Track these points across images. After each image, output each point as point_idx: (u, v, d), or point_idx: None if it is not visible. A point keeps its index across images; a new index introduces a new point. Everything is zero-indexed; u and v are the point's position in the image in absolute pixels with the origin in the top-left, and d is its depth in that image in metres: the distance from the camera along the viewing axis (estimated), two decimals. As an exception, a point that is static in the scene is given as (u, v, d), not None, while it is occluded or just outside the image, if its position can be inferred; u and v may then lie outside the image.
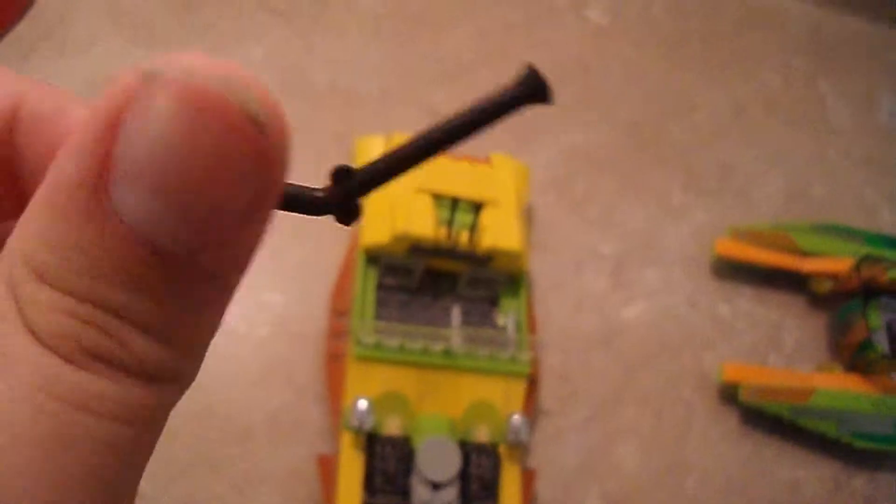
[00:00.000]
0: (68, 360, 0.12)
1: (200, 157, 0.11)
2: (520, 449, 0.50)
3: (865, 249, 0.63)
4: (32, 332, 0.12)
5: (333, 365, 0.50)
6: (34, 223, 0.12)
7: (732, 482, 0.59)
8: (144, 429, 0.13)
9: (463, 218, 0.50)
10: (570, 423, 0.57)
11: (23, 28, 0.59)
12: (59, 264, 0.12)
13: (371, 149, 0.55)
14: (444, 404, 0.49)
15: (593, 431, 0.57)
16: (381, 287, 0.52)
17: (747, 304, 0.64)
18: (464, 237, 0.50)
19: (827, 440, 0.61)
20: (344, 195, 0.15)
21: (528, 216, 0.60)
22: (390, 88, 0.64)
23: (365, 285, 0.51)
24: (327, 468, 0.48)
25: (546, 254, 0.60)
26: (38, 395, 0.12)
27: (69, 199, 0.12)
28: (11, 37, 0.58)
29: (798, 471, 0.61)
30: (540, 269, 0.60)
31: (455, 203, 0.49)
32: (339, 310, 0.51)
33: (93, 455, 0.12)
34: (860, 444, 0.61)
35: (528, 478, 0.51)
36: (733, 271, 0.65)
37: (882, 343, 0.60)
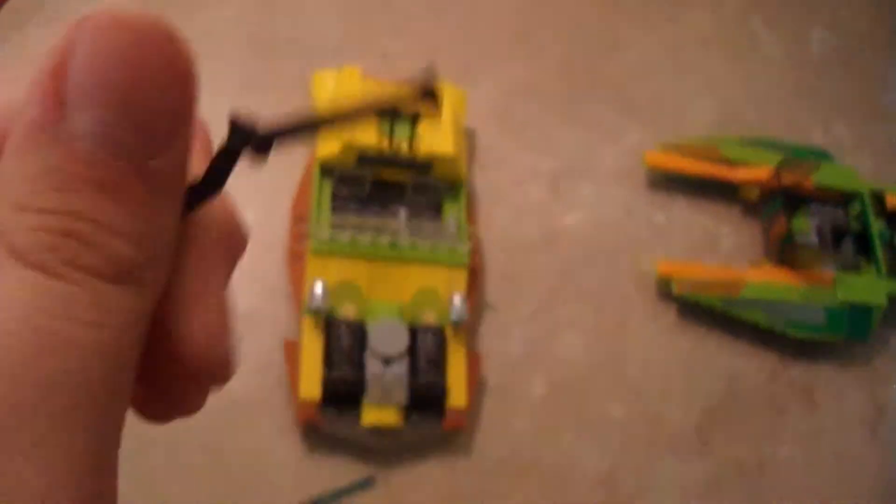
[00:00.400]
0: (52, 273, 0.13)
1: (133, 70, 0.14)
2: (463, 330, 0.56)
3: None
4: (17, 256, 0.13)
5: (295, 263, 0.57)
6: (8, 165, 0.14)
7: (671, 370, 0.64)
8: (125, 332, 0.14)
9: (402, 130, 0.57)
10: (514, 317, 0.63)
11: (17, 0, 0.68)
12: (34, 189, 0.14)
13: (325, 81, 0.63)
14: (393, 292, 0.56)
15: (537, 325, 0.63)
16: (335, 198, 0.59)
17: (682, 212, 0.69)
18: (404, 146, 0.57)
19: (764, 333, 0.66)
20: (242, 140, 0.16)
21: (469, 140, 0.67)
22: (347, 39, 0.71)
23: (320, 193, 0.58)
24: (292, 351, 0.55)
25: (488, 172, 0.67)
26: (28, 311, 0.13)
27: (35, 135, 0.14)
28: (7, 8, 0.67)
29: (736, 360, 0.66)
30: (482, 187, 0.66)
31: (394, 115, 0.56)
32: (299, 216, 0.58)
33: (78, 360, 0.13)
34: (793, 332, 0.66)
35: (474, 360, 0.57)
36: (668, 184, 0.70)
37: (809, 240, 0.66)
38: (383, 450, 0.54)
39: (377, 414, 0.53)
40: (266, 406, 0.56)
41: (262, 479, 0.55)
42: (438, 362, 0.55)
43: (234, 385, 0.51)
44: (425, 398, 0.54)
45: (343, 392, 0.53)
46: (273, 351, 0.57)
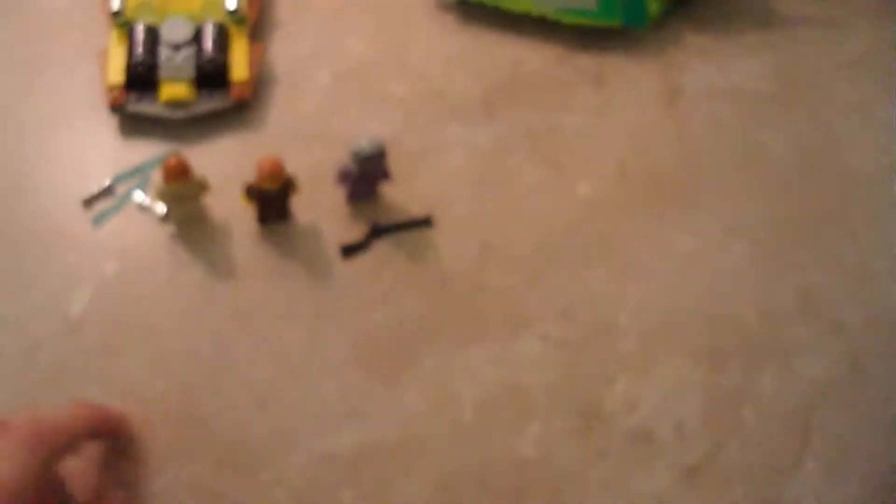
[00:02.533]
0: None
1: None
2: (246, 27, 0.69)
3: None
4: None
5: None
6: None
7: (454, 59, 0.75)
8: None
9: None
10: (303, 28, 0.75)
11: None
12: None
13: None
14: (183, 5, 0.70)
15: (325, 32, 0.75)
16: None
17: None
18: None
19: (548, 27, 0.75)
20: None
21: None
22: None
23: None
24: (103, 58, 0.69)
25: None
26: None
27: None
28: None
29: (521, 50, 0.76)
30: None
31: None
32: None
33: None
34: (567, 19, 0.73)
35: (256, 48, 0.70)
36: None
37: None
38: (181, 122, 0.67)
39: (171, 90, 0.66)
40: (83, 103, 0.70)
41: (78, 161, 0.68)
42: (221, 46, 0.67)
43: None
44: (211, 74, 0.67)
45: (142, 74, 0.66)
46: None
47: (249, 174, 0.60)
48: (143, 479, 0.56)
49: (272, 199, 0.60)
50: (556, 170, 0.68)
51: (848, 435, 0.63)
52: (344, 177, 0.60)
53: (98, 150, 0.67)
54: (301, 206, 0.65)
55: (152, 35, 0.66)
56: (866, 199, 0.73)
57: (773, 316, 0.65)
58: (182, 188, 0.58)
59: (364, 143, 0.58)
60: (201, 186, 0.60)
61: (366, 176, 0.60)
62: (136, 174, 0.64)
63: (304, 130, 0.69)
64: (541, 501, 0.58)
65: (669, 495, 0.59)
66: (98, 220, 0.61)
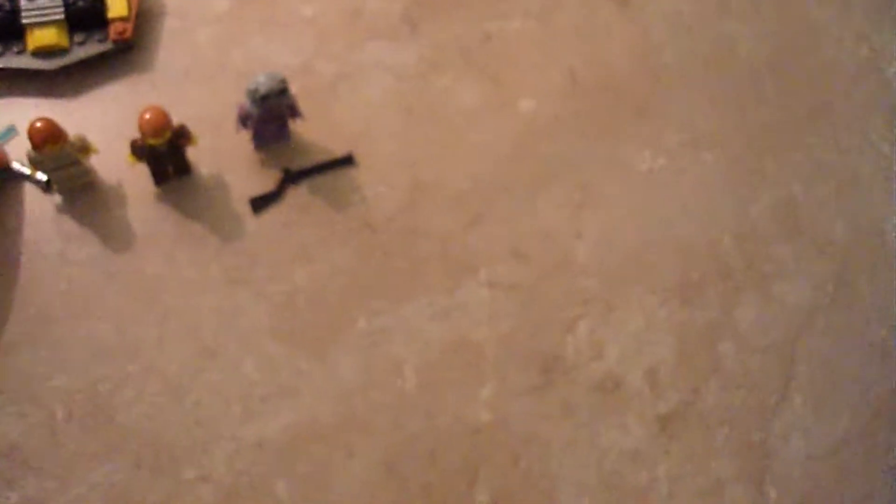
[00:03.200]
0: None
1: None
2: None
3: None
4: None
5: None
6: None
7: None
8: None
9: None
10: None
11: None
12: None
13: None
14: None
15: None
16: None
17: None
18: None
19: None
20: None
21: None
22: None
23: None
24: None
25: None
26: None
27: None
28: None
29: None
30: None
31: None
32: None
33: None
34: None
35: None
36: None
37: None
38: (56, 72, 0.57)
39: (40, 36, 0.57)
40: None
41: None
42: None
43: None
44: (84, 14, 0.57)
45: (6, 23, 0.56)
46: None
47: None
48: (50, 491, 0.49)
49: (163, 155, 0.52)
50: (494, 86, 0.60)
51: (836, 363, 0.58)
52: (244, 120, 0.51)
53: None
54: (202, 158, 0.57)
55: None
56: (847, 96, 0.65)
57: (750, 237, 0.58)
58: (58, 153, 0.50)
59: (261, 79, 0.50)
60: (82, 148, 0.51)
61: (270, 116, 0.51)
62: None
63: (201, 69, 0.60)
64: (499, 471, 0.52)
65: (644, 449, 0.54)
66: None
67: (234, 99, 0.55)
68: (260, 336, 0.53)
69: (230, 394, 0.52)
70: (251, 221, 0.55)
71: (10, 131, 0.55)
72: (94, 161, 0.54)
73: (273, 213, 0.56)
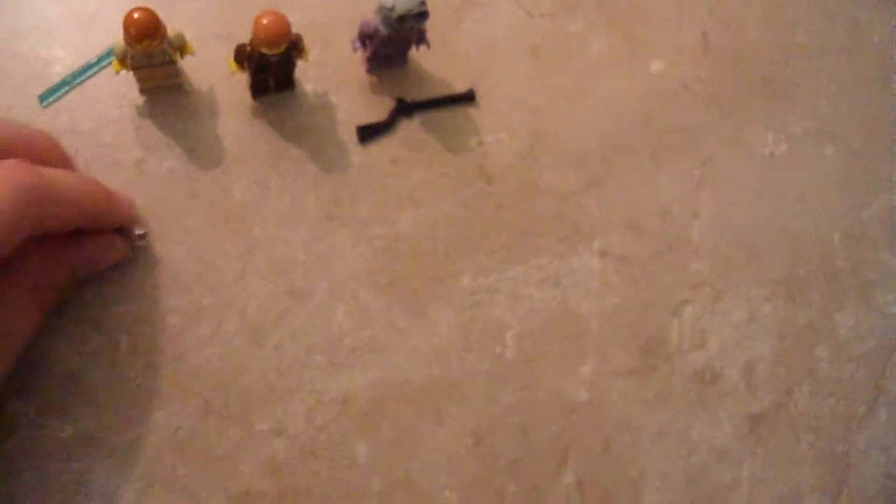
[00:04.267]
0: None
1: None
2: None
3: None
4: None
5: None
6: None
7: None
8: None
9: None
10: None
11: None
12: None
13: None
14: None
15: None
16: None
17: None
18: None
19: None
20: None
21: None
22: None
23: None
24: None
25: None
26: None
27: None
28: None
29: None
30: None
31: None
32: None
33: None
34: None
35: None
36: None
37: None
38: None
39: None
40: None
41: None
42: None
43: None
44: None
45: None
46: None
47: (241, 31, 0.45)
48: (108, 428, 0.45)
49: (271, 67, 0.46)
50: (626, 41, 0.56)
51: (926, 381, 0.53)
52: (366, 38, 0.44)
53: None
54: (308, 74, 0.50)
55: None
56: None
57: (859, 240, 0.56)
58: (152, 50, 0.43)
59: (403, -4, 0.42)
60: (180, 46, 0.45)
61: (397, 39, 0.44)
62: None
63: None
64: (589, 455, 0.49)
65: (732, 448, 0.51)
66: (45, 98, 0.43)
67: (347, 12, 0.50)
68: (355, 282, 0.48)
69: (316, 342, 0.47)
70: (356, 152, 0.50)
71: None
72: (185, 63, 0.47)
73: (381, 146, 0.51)
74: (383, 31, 0.45)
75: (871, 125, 0.58)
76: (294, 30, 0.44)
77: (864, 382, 0.54)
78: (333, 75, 0.49)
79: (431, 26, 0.49)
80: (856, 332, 0.55)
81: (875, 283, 0.55)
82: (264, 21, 0.41)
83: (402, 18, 0.43)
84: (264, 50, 0.43)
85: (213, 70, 0.48)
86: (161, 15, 0.42)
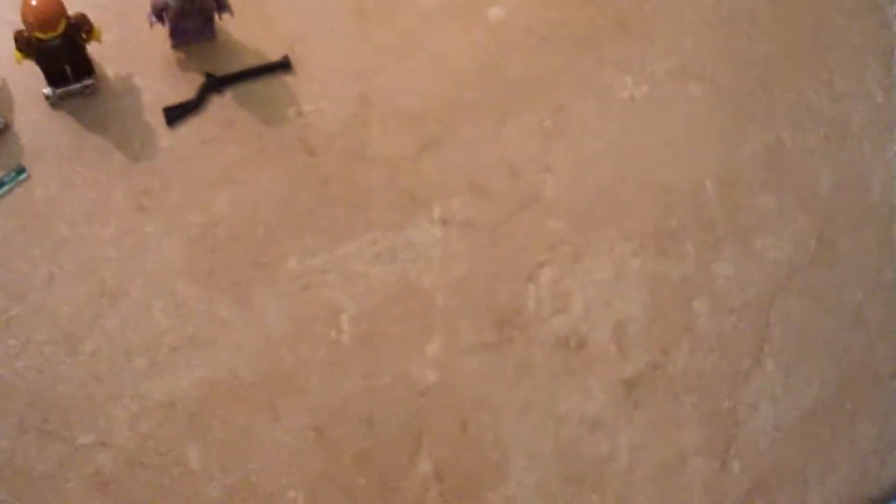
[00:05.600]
0: None
1: None
2: None
3: None
4: None
5: None
6: None
7: None
8: None
9: None
10: None
11: None
12: None
13: None
14: None
15: None
16: None
17: None
18: None
19: None
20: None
21: None
22: None
23: None
24: None
25: None
26: None
27: None
28: None
29: None
30: None
31: None
32: None
33: None
34: None
35: None
36: None
37: None
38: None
39: None
40: None
41: None
42: None
43: None
44: None
45: None
46: None
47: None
48: None
49: (58, 52, 0.42)
50: (460, -11, 0.49)
51: (810, 326, 0.54)
52: (160, 11, 0.41)
53: None
54: (107, 57, 0.47)
55: None
56: (845, 34, 0.59)
57: (734, 183, 0.53)
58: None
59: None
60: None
61: (192, 8, 0.41)
62: None
63: (105, -60, 0.46)
64: (445, 439, 0.46)
65: (606, 416, 0.49)
66: None
67: None
68: (171, 275, 0.45)
69: (134, 343, 0.44)
70: (165, 135, 0.47)
71: None
72: None
73: (191, 127, 0.48)
74: (172, 2, 0.41)
75: (737, 61, 0.56)
76: (89, 11, 0.41)
77: (748, 333, 0.52)
78: (136, 56, 0.46)
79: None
80: (735, 281, 0.52)
81: (753, 228, 0.52)
82: (32, 2, 0.38)
83: (188, -18, 0.39)
84: (39, 34, 0.39)
85: (3, 61, 0.45)
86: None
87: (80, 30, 0.42)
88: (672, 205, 0.50)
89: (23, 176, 0.44)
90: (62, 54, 0.43)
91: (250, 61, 0.48)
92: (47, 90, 0.45)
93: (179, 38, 0.45)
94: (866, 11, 0.59)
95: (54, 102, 0.45)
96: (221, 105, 0.47)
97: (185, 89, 0.46)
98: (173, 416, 0.44)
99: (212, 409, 0.44)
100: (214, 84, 0.46)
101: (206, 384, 0.44)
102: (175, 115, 0.45)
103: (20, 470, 0.42)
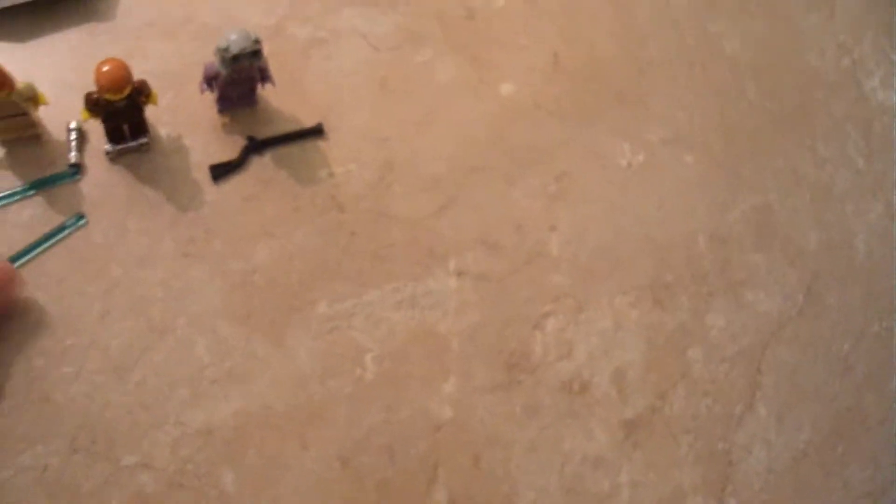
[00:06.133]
0: None
1: None
2: None
3: None
4: None
5: None
6: None
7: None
8: None
9: None
10: None
11: None
12: None
13: None
14: None
15: None
16: None
17: None
18: None
19: None
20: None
21: None
22: None
23: None
24: None
25: None
26: None
27: None
28: None
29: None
30: None
31: None
32: None
33: None
34: None
35: None
36: None
37: None
38: (6, 11, 0.52)
39: None
40: None
41: None
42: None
43: None
44: None
45: None
46: None
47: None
48: None
49: (121, 112, 0.48)
50: (474, 66, 0.57)
51: (801, 374, 0.57)
52: (211, 80, 0.46)
53: None
54: (161, 118, 0.52)
55: None
56: (827, 105, 0.64)
57: (725, 241, 0.56)
58: (3, 101, 0.45)
59: (233, 37, 0.46)
60: (30, 97, 0.47)
61: (239, 79, 0.46)
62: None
63: (165, 21, 0.55)
64: (459, 471, 0.50)
65: (608, 455, 0.52)
66: None
67: (200, 57, 0.51)
68: (213, 316, 0.49)
69: (177, 375, 0.48)
70: (210, 191, 0.52)
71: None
72: (43, 113, 0.48)
73: (234, 184, 0.52)
74: (223, 71, 0.47)
75: (727, 131, 0.60)
76: (149, 78, 0.47)
77: (740, 380, 0.55)
78: (186, 119, 0.51)
79: (280, 65, 0.51)
80: (728, 331, 0.55)
81: (744, 283, 0.56)
82: (104, 68, 0.44)
83: (236, 58, 0.46)
84: (108, 96, 0.45)
85: (70, 119, 0.51)
86: (14, 68, 0.45)
87: (141, 94, 0.47)
88: (667, 260, 0.55)
89: (82, 222, 0.49)
90: (123, 115, 0.48)
91: (288, 127, 0.53)
92: (108, 146, 0.49)
93: (226, 104, 0.51)
94: (845, 85, 0.63)
95: (113, 158, 0.50)
96: (261, 165, 0.52)
97: (229, 151, 0.52)
98: (211, 442, 0.47)
99: (246, 438, 0.47)
100: (255, 146, 0.51)
101: (241, 415, 0.47)
102: (220, 172, 0.50)
103: (69, 487, 0.45)
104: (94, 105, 0.46)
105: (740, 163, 0.58)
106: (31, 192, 0.48)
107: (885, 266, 0.59)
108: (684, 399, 0.53)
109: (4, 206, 0.47)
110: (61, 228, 0.48)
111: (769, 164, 0.60)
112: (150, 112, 0.50)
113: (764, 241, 0.58)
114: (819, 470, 0.56)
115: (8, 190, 0.48)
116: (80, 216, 0.49)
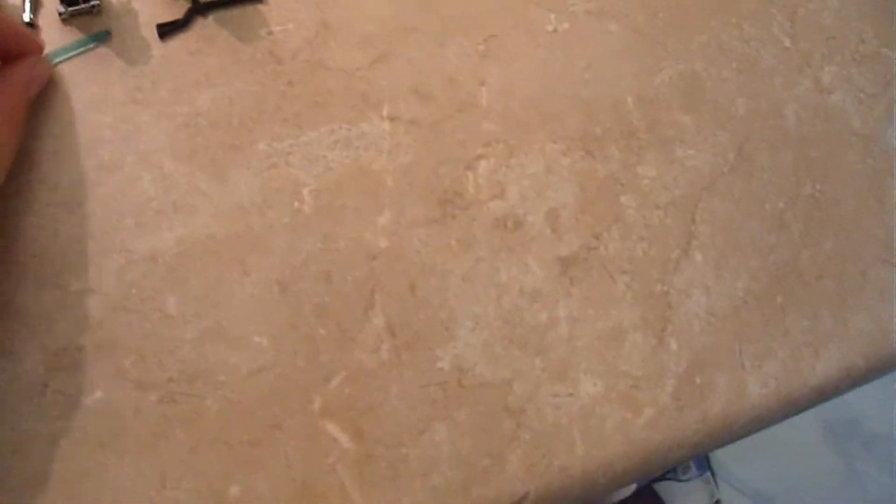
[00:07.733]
0: None
1: None
2: None
3: None
4: None
5: None
6: None
7: None
8: None
9: None
10: None
11: None
12: None
13: None
14: None
15: None
16: None
17: None
18: None
19: None
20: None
21: None
22: None
23: None
24: None
25: None
26: None
27: None
28: None
29: None
30: None
31: None
32: None
33: None
34: None
35: None
36: None
37: None
38: None
39: None
40: None
41: None
42: None
43: None
44: None
45: None
46: None
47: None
48: None
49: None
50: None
51: (736, 226, 0.60)
52: None
53: None
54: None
55: None
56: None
57: (653, 102, 0.60)
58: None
59: None
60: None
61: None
62: None
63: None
64: (395, 298, 0.53)
65: (545, 289, 0.55)
66: None
67: None
68: (159, 154, 0.53)
69: (124, 208, 0.52)
70: (157, 46, 0.56)
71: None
72: None
73: (179, 41, 0.57)
74: (164, -65, 0.52)
75: (651, 5, 0.65)
76: None
77: (675, 228, 0.58)
78: (134, -11, 0.56)
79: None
80: (660, 182, 0.58)
81: (673, 140, 0.59)
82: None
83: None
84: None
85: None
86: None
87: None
88: (595, 116, 0.58)
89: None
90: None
91: (229, -8, 0.57)
92: (60, 8, 0.54)
93: (171, -26, 0.56)
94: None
95: (66, 19, 0.55)
96: (204, 25, 0.56)
97: (176, 13, 0.56)
98: (155, 269, 0.50)
99: (189, 265, 0.50)
100: (199, 9, 0.56)
101: (185, 242, 0.51)
102: (166, 30, 0.55)
103: (19, 309, 0.48)
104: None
105: (664, 35, 0.62)
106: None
107: (814, 136, 0.62)
108: (619, 241, 0.55)
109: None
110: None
111: (694, 38, 0.63)
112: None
113: (692, 104, 0.61)
114: (759, 316, 0.58)
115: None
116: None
